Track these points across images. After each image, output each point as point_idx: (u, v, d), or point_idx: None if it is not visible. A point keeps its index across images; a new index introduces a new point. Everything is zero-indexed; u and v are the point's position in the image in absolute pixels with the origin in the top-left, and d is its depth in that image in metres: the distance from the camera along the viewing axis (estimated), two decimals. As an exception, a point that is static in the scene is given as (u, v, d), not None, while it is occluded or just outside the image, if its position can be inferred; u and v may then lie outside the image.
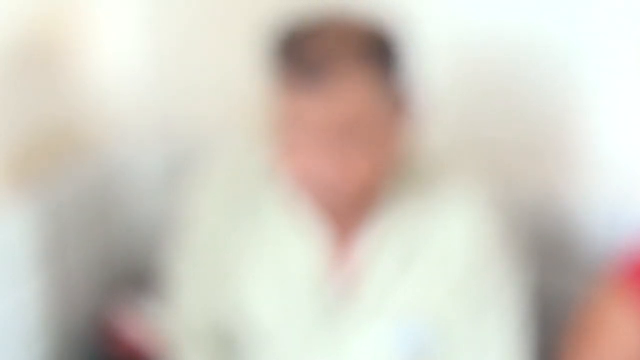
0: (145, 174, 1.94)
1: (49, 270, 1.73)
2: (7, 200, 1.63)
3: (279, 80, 1.24)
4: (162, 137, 1.92)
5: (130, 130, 1.91)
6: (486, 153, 1.66)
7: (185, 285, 1.45)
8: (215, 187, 1.41)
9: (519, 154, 1.67)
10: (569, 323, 1.49)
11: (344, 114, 1.20)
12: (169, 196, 1.87)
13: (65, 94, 1.79)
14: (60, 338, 1.79)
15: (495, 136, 1.67)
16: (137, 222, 1.97)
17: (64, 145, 1.79)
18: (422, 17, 1.56)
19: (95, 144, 1.86)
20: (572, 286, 1.66)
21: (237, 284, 1.39)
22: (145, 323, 1.83)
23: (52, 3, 1.73)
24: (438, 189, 1.36)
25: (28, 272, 1.68)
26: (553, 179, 1.67)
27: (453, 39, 1.63)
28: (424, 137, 1.35)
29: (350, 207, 1.31)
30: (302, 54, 1.21)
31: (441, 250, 1.34)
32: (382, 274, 1.35)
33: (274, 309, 1.38)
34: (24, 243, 1.66)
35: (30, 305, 1.69)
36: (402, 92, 1.27)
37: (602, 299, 1.42)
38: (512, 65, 1.63)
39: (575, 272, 1.67)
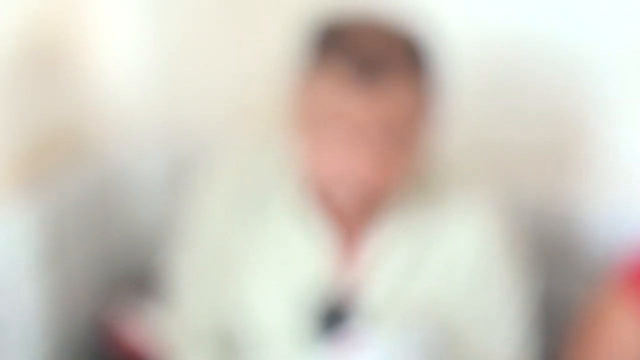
0: (147, 176, 1.94)
1: (50, 271, 1.73)
2: (8, 201, 1.63)
3: (320, 74, 1.23)
4: (164, 139, 1.91)
5: (132, 133, 1.91)
6: (489, 156, 1.66)
7: (189, 285, 1.44)
8: (221, 186, 1.41)
9: (522, 158, 1.67)
10: (571, 326, 1.49)
11: (391, 114, 1.21)
12: (170, 198, 1.86)
13: (67, 96, 1.79)
14: (61, 340, 1.79)
15: (498, 139, 1.67)
16: (138, 224, 1.96)
17: (66, 147, 1.79)
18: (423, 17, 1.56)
19: (97, 146, 1.86)
20: (575, 289, 1.65)
21: (241, 284, 1.39)
22: (146, 325, 1.83)
23: (55, 5, 1.73)
24: (446, 194, 1.36)
25: (29, 273, 1.67)
26: (556, 183, 1.67)
27: (456, 40, 1.63)
28: (434, 140, 1.35)
29: (362, 209, 1.31)
30: (356, 50, 1.21)
31: (448, 256, 1.34)
32: (388, 277, 1.34)
33: (278, 310, 1.37)
34: (25, 244, 1.66)
35: (31, 307, 1.69)
36: (433, 95, 1.27)
37: (604, 302, 1.42)
38: (518, 69, 1.63)
39: (578, 275, 1.66)
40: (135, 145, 1.92)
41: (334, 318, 1.36)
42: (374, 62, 1.21)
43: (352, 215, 1.32)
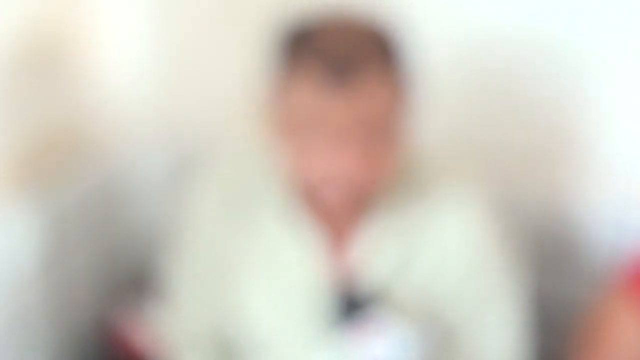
0: (149, 177, 1.94)
1: (52, 272, 1.73)
2: (10, 202, 1.63)
3: (294, 80, 1.23)
4: (166, 140, 1.91)
5: (134, 133, 1.91)
6: (490, 156, 1.66)
7: (184, 288, 1.44)
8: (214, 191, 1.41)
9: (523, 157, 1.67)
10: (573, 327, 1.49)
11: (369, 111, 1.21)
12: (172, 199, 1.86)
13: (69, 96, 1.78)
14: (64, 340, 1.79)
15: (499, 138, 1.67)
16: (140, 225, 1.96)
17: (67, 148, 1.79)
18: (424, 16, 1.56)
19: (99, 146, 1.86)
20: (577, 290, 1.65)
21: (235, 288, 1.39)
22: (148, 326, 1.83)
23: (56, 5, 1.72)
24: (435, 190, 1.36)
25: (31, 275, 1.68)
26: (558, 183, 1.66)
27: (455, 38, 1.63)
28: (423, 136, 1.35)
29: (350, 208, 1.31)
30: (327, 52, 1.21)
31: (438, 252, 1.34)
32: (378, 276, 1.34)
33: (272, 313, 1.38)
34: (27, 246, 1.66)
35: (33, 308, 1.69)
36: (406, 91, 1.27)
37: (607, 302, 1.42)
38: (517, 67, 1.63)
39: (580, 276, 1.66)
40: (136, 145, 1.92)
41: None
42: (346, 61, 1.20)
43: (341, 215, 1.32)
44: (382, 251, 1.34)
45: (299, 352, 1.38)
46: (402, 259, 1.35)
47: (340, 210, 1.31)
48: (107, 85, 1.86)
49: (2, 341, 1.62)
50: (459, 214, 1.35)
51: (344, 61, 1.20)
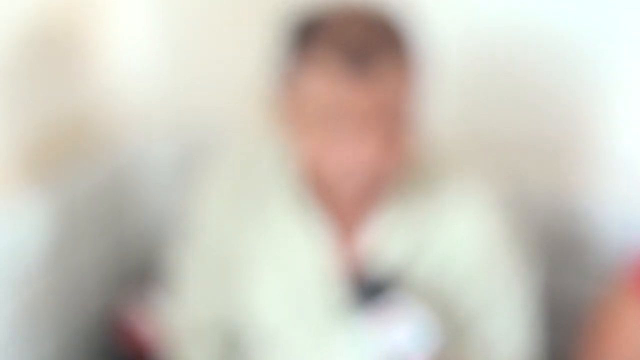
0: (158, 167, 1.94)
1: (61, 264, 1.73)
2: (19, 193, 1.63)
3: (309, 70, 1.22)
4: (175, 131, 1.92)
5: (144, 124, 1.91)
6: (498, 150, 1.65)
7: (191, 280, 1.45)
8: (222, 182, 1.41)
9: (532, 152, 1.66)
10: (581, 323, 1.48)
11: (385, 97, 1.22)
12: (181, 190, 1.86)
13: (77, 88, 1.79)
14: (72, 331, 1.79)
15: (507, 133, 1.66)
16: (149, 216, 1.97)
17: (76, 139, 1.79)
18: (433, 5, 1.55)
19: (108, 137, 1.86)
20: (585, 286, 1.65)
21: (244, 279, 1.39)
22: (155, 317, 1.83)
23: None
24: (447, 185, 1.35)
25: (39, 266, 1.68)
26: (566, 178, 1.66)
27: (465, 30, 1.62)
28: (431, 127, 1.34)
29: (361, 199, 1.31)
30: (343, 42, 1.20)
31: (447, 246, 1.34)
32: (387, 267, 1.34)
33: (281, 305, 1.38)
34: (36, 237, 1.66)
35: (40, 300, 1.70)
36: (418, 79, 1.27)
37: (614, 299, 1.41)
38: (526, 60, 1.63)
39: (588, 272, 1.66)
40: (146, 136, 1.92)
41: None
42: (363, 50, 1.20)
43: (351, 206, 1.32)
44: (391, 242, 1.34)
45: (309, 343, 1.38)
46: (410, 251, 1.35)
47: (350, 201, 1.31)
48: (116, 76, 1.86)
49: (10, 331, 1.63)
50: (469, 210, 1.35)
51: (361, 50, 1.20)
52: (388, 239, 1.34)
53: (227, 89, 1.84)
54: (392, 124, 1.23)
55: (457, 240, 1.34)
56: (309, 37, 1.23)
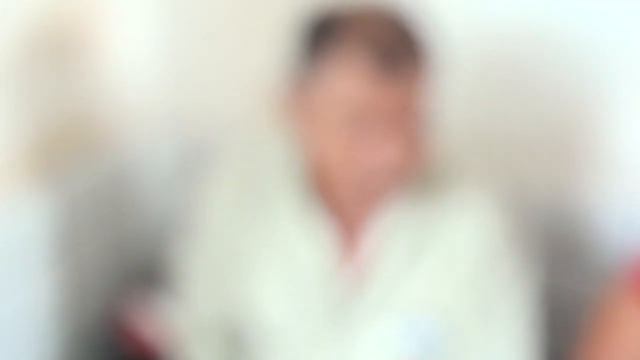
0: (159, 167, 1.95)
1: (62, 263, 1.73)
2: (20, 193, 1.63)
3: (335, 70, 1.20)
4: (176, 130, 1.92)
5: (144, 124, 1.91)
6: (499, 150, 1.66)
7: (195, 279, 1.45)
8: (227, 182, 1.41)
9: (532, 152, 1.66)
10: (581, 323, 1.48)
11: (411, 96, 1.22)
12: (183, 190, 1.87)
13: (79, 87, 1.79)
14: (73, 331, 1.79)
15: (509, 134, 1.66)
16: (150, 215, 1.97)
17: (79, 138, 1.79)
18: (443, 9, 1.55)
19: (110, 137, 1.87)
20: (585, 286, 1.65)
21: (247, 279, 1.39)
22: (157, 316, 1.83)
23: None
24: (450, 192, 1.35)
25: (41, 265, 1.68)
26: (568, 179, 1.66)
27: (467, 31, 1.62)
28: (438, 132, 1.34)
29: (365, 201, 1.31)
30: (372, 41, 1.19)
31: (449, 248, 1.34)
32: (389, 268, 1.34)
33: (284, 304, 1.38)
34: (37, 236, 1.66)
35: (42, 299, 1.70)
36: (433, 79, 1.27)
37: (615, 299, 1.41)
38: (526, 62, 1.63)
39: (589, 272, 1.66)
40: (147, 136, 1.92)
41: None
42: (390, 49, 1.20)
43: (354, 207, 1.32)
44: (392, 245, 1.34)
45: (311, 342, 1.38)
46: (412, 254, 1.35)
47: (354, 202, 1.32)
48: (119, 75, 1.86)
49: (12, 329, 1.63)
50: (469, 212, 1.35)
51: (390, 49, 1.19)
52: (390, 240, 1.34)
53: (227, 89, 1.85)
54: (415, 124, 1.23)
55: (459, 242, 1.34)
56: (330, 37, 1.21)
